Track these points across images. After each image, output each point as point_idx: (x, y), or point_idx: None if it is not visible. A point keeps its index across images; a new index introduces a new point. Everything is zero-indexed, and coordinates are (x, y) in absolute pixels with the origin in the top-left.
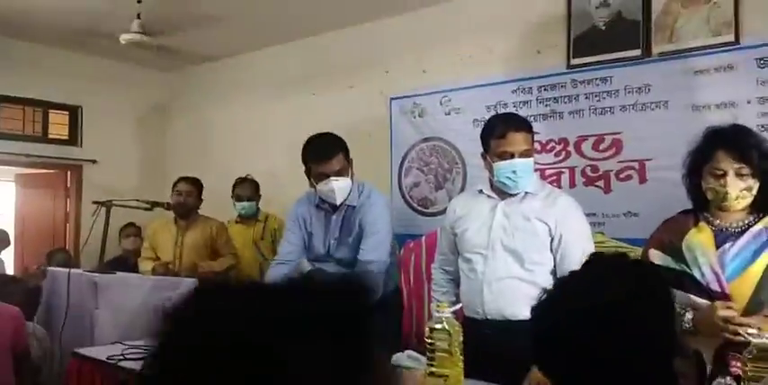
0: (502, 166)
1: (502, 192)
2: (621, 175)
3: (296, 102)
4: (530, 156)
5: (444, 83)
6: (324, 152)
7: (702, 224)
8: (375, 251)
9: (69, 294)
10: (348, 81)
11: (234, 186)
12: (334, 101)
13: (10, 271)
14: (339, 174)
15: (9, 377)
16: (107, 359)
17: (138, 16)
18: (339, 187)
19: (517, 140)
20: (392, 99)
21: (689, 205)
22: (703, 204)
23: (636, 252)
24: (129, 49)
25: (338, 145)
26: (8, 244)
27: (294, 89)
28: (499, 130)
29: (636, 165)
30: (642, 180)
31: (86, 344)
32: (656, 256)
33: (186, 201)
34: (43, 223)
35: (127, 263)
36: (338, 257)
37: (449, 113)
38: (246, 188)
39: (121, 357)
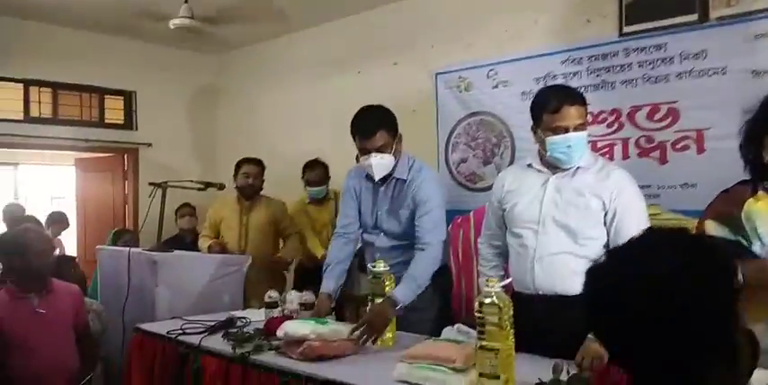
0: (556, 141)
1: (552, 166)
2: (678, 146)
3: (341, 80)
4: (584, 130)
5: (491, 56)
6: (365, 128)
7: (762, 193)
8: (434, 230)
9: (130, 272)
10: (393, 58)
11: (303, 170)
12: (379, 78)
13: (71, 251)
14: (380, 150)
15: (72, 351)
16: (167, 333)
17: (186, 1)
18: (377, 163)
19: (572, 114)
20: (437, 74)
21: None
22: (763, 174)
23: (692, 224)
24: (179, 34)
25: (382, 121)
26: (67, 225)
27: (339, 68)
28: (553, 105)
29: (693, 134)
30: (700, 150)
31: (147, 320)
32: (713, 227)
33: (254, 182)
34: (103, 205)
35: (183, 241)
36: (385, 229)
37: (496, 87)
38: (317, 173)
39: (180, 332)
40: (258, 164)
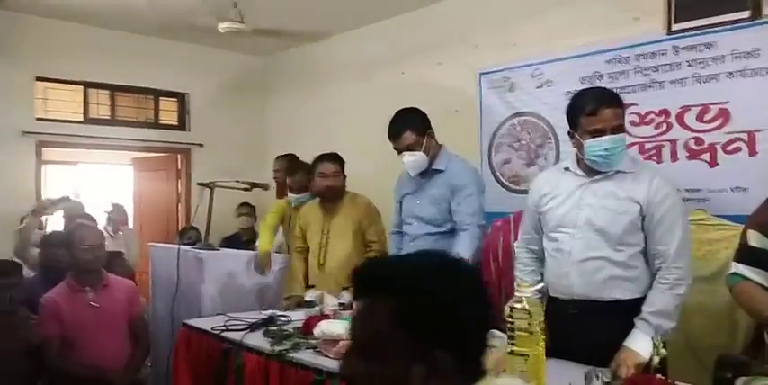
0: (593, 144)
1: (590, 170)
2: (729, 148)
3: (385, 81)
4: (622, 132)
5: (535, 55)
6: (392, 130)
7: None
8: (473, 215)
9: (179, 269)
10: (436, 58)
11: (285, 172)
12: (423, 79)
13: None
14: (409, 148)
15: (126, 342)
16: (211, 329)
17: (235, 5)
18: (408, 160)
19: (609, 116)
20: (481, 74)
21: None
22: None
23: (739, 230)
24: (228, 37)
25: (407, 122)
26: (126, 218)
27: (383, 69)
28: (590, 107)
29: (745, 136)
30: (752, 152)
31: (195, 316)
32: (754, 238)
33: (335, 183)
34: (158, 203)
35: (240, 240)
36: (421, 216)
37: (540, 87)
38: (297, 178)
39: (224, 328)
40: (335, 160)
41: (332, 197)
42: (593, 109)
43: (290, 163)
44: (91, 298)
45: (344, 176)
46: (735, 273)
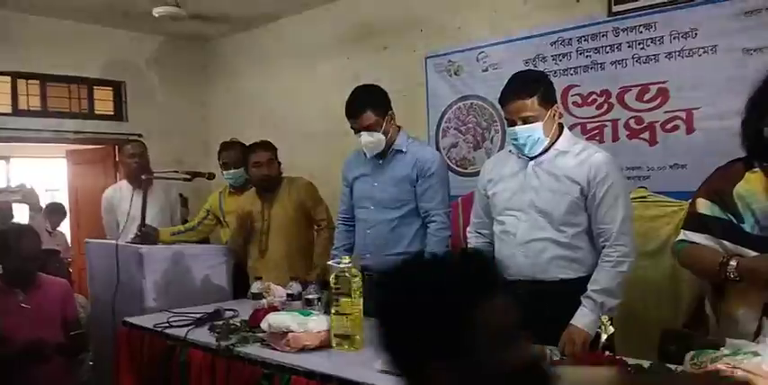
0: (509, 133)
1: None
2: (667, 126)
3: (331, 66)
4: (532, 122)
5: (480, 38)
6: (352, 109)
7: (757, 170)
8: (440, 203)
9: (119, 265)
10: (382, 42)
11: (219, 152)
12: (368, 63)
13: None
14: (369, 128)
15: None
16: (153, 326)
17: None
18: (367, 141)
19: (514, 108)
20: (427, 58)
21: (740, 154)
22: (762, 152)
23: (681, 206)
24: (164, 22)
25: (368, 101)
26: (65, 215)
27: (328, 54)
28: (501, 98)
29: (683, 114)
30: (690, 130)
31: (137, 313)
32: (703, 205)
33: (270, 171)
34: (95, 197)
35: None
36: (379, 198)
37: (486, 70)
38: (233, 153)
39: (167, 324)
40: (266, 147)
41: (269, 186)
42: (502, 101)
43: (225, 144)
44: (22, 299)
45: (279, 163)
46: (682, 240)
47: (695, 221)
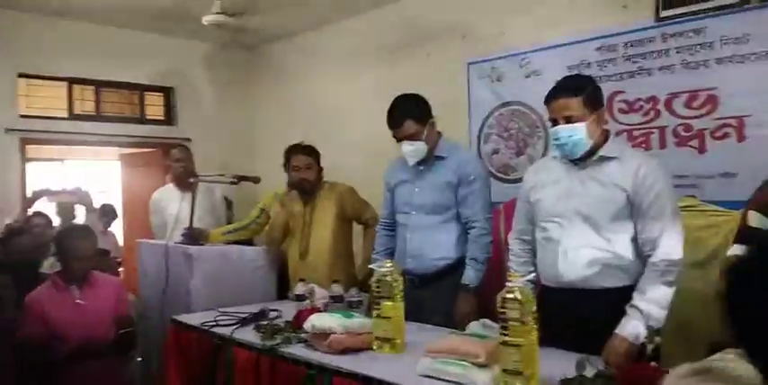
0: (551, 133)
1: (577, 158)
2: (717, 134)
3: (374, 73)
4: (575, 122)
5: (523, 45)
6: (392, 119)
7: None
8: (482, 210)
9: (168, 265)
10: (425, 49)
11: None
12: (411, 70)
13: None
14: (411, 138)
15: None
16: (201, 325)
17: None
18: (408, 150)
19: (558, 107)
20: (470, 64)
21: None
22: None
23: (730, 216)
24: (212, 30)
25: (408, 111)
26: (116, 216)
27: (372, 60)
28: (547, 96)
29: (734, 122)
30: (740, 138)
31: (185, 312)
32: (755, 218)
33: (309, 175)
34: (146, 199)
35: None
36: (420, 204)
37: (528, 76)
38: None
39: (214, 323)
40: (309, 152)
41: (307, 189)
42: (547, 99)
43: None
44: (77, 296)
45: (320, 168)
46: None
47: (747, 235)
